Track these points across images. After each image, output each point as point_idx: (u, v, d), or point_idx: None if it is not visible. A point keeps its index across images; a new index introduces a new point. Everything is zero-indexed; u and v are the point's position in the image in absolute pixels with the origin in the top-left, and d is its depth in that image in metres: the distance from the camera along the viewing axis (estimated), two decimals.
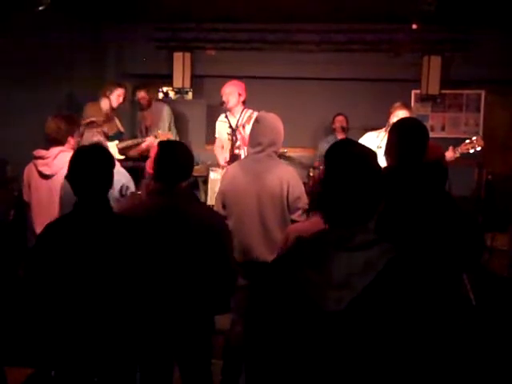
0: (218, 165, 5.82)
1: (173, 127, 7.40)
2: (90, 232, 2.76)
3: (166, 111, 7.40)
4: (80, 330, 2.74)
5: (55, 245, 2.79)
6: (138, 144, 6.63)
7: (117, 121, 6.60)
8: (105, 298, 2.74)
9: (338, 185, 1.72)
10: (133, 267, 2.77)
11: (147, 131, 7.19)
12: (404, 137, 3.06)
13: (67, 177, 2.86)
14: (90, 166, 2.82)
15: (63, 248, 2.76)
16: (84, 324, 2.74)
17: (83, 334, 2.74)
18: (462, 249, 2.92)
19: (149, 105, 7.35)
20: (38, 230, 3.31)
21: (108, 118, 6.26)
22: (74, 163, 2.87)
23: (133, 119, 7.86)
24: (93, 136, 4.17)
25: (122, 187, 3.95)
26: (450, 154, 4.91)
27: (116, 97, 6.48)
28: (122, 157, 6.37)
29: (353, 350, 1.64)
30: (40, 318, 2.89)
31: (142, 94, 7.29)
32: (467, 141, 5.12)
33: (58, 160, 4.19)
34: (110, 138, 5.65)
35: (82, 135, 4.30)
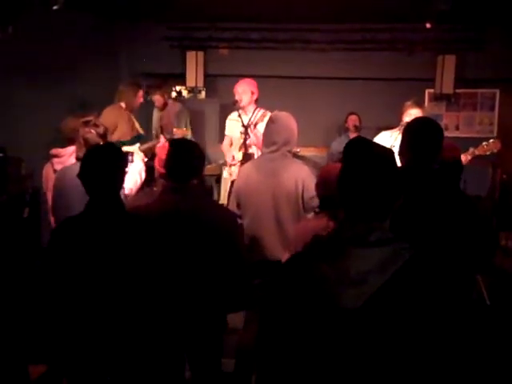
0: (225, 163, 5.81)
1: (188, 127, 7.39)
2: (102, 231, 2.77)
3: (181, 111, 7.39)
4: (92, 328, 2.76)
5: (67, 243, 2.81)
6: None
7: (136, 123, 6.41)
8: (117, 296, 2.75)
9: (357, 181, 1.73)
10: (145, 265, 2.79)
11: (162, 130, 7.18)
12: (417, 137, 3.04)
13: (79, 175, 2.86)
14: (102, 165, 2.83)
15: (75, 246, 2.77)
16: (96, 322, 2.75)
17: (96, 332, 2.76)
18: (475, 248, 2.90)
19: (164, 106, 7.35)
20: None
21: (130, 121, 6.21)
22: (86, 162, 2.88)
23: (146, 118, 7.84)
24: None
25: None
26: (466, 158, 4.82)
27: (138, 98, 6.24)
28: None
29: (367, 348, 1.64)
30: (53, 316, 2.91)
31: (157, 97, 7.29)
32: (484, 143, 5.06)
33: (73, 158, 4.20)
34: (131, 142, 5.65)
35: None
